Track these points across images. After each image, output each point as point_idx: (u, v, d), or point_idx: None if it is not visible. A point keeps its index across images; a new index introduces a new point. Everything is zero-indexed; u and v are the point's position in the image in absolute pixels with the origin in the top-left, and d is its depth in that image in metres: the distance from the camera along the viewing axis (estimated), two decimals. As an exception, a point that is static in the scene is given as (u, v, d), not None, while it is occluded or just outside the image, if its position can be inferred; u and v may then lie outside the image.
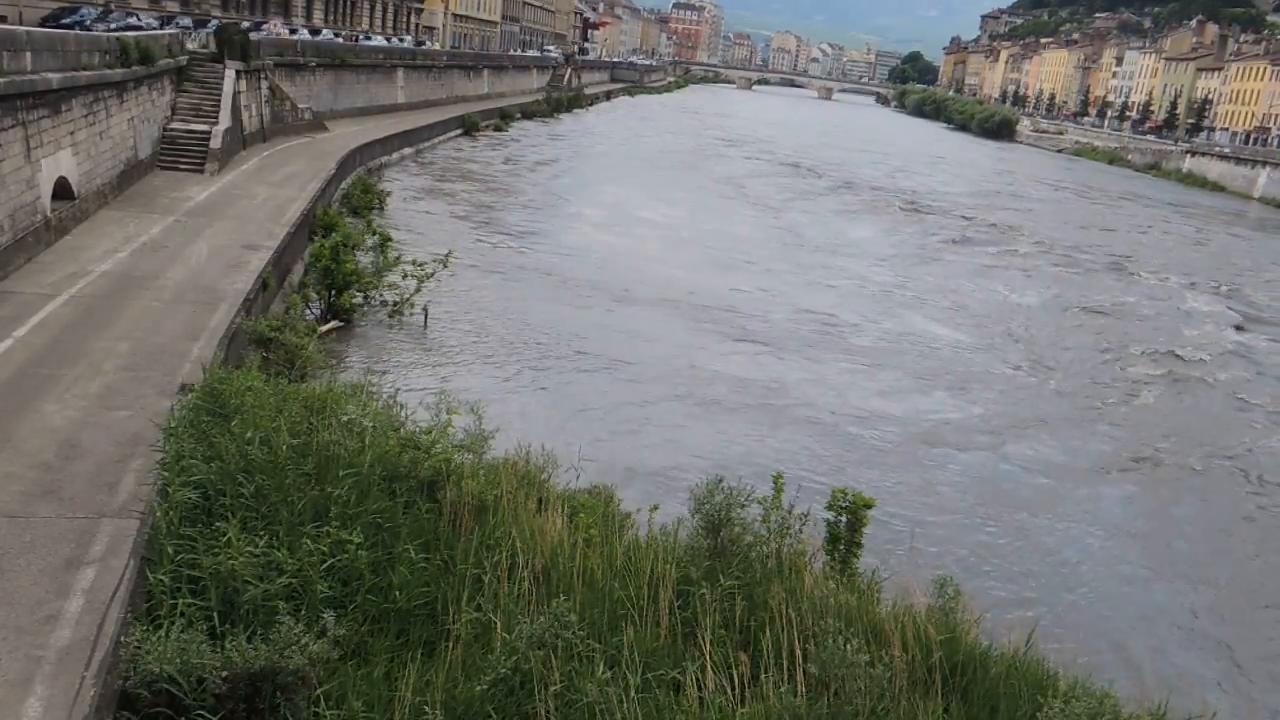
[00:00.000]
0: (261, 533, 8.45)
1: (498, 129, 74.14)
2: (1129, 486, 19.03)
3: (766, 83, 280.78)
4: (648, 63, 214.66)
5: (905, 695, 8.00)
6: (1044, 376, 25.61)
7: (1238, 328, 34.21)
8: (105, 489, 9.66)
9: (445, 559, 9.21)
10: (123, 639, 7.21)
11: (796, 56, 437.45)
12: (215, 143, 30.61)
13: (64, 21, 32.24)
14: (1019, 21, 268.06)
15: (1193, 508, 18.35)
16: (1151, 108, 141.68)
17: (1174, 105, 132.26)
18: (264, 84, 39.89)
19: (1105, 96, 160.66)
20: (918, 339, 27.78)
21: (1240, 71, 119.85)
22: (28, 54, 19.16)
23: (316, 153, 37.98)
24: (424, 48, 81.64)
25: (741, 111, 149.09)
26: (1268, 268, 49.68)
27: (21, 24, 28.35)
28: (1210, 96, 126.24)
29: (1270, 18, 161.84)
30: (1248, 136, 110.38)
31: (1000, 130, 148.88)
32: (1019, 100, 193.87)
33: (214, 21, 46.09)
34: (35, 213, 18.83)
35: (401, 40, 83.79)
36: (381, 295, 23.58)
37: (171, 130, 30.89)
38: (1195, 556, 16.28)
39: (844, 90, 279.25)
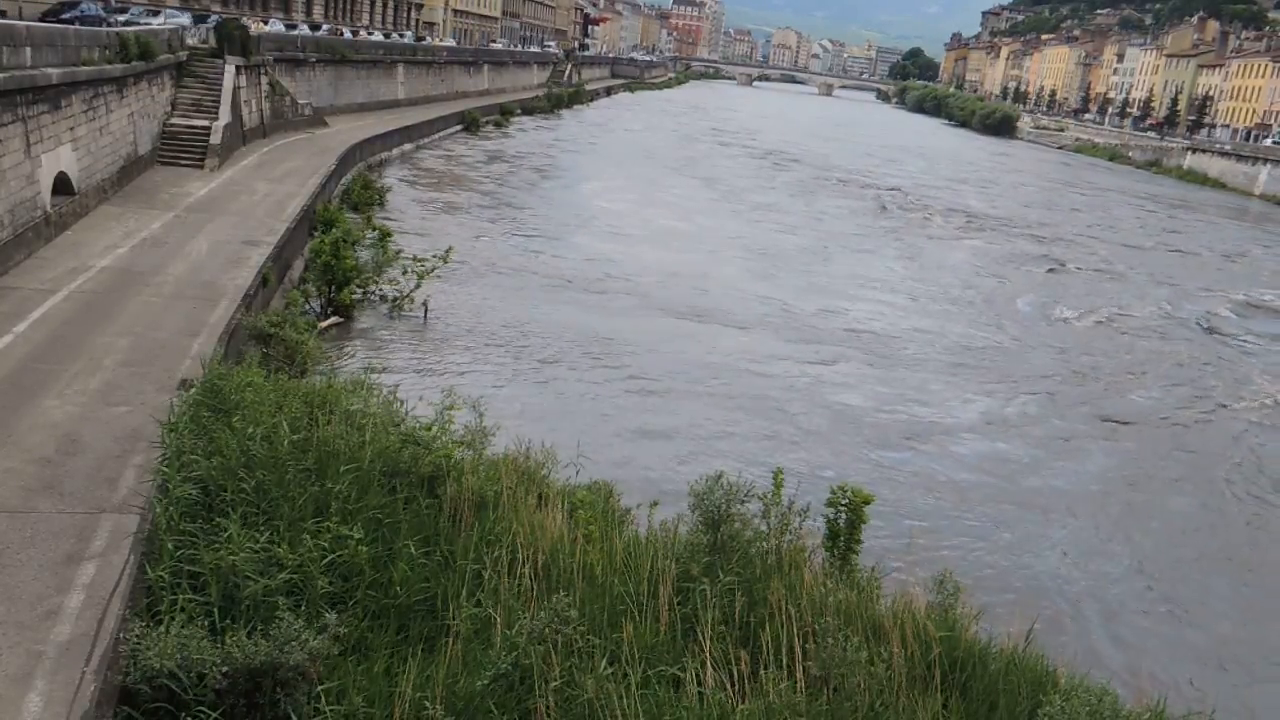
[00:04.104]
0: (262, 528, 8.46)
1: (498, 125, 74.07)
2: (1129, 480, 19.04)
3: (767, 79, 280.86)
4: (648, 59, 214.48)
5: (904, 691, 8.02)
6: (1047, 372, 25.62)
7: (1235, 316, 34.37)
8: (105, 484, 9.67)
9: (445, 554, 9.22)
10: (123, 634, 7.22)
11: (797, 53, 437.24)
12: (215, 138, 30.60)
13: (64, 16, 32.20)
14: (1020, 18, 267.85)
15: (1195, 503, 18.36)
16: (1152, 104, 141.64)
17: (1175, 102, 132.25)
18: (264, 79, 39.87)
19: (1106, 93, 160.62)
20: (926, 338, 27.78)
21: (1241, 68, 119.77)
22: (27, 49, 19.14)
23: (317, 148, 37.95)
24: (424, 43, 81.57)
25: (742, 107, 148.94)
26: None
27: (22, 19, 28.34)
28: (1211, 93, 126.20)
29: (1271, 15, 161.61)
30: (1248, 133, 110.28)
31: (1001, 127, 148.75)
32: (1020, 97, 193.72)
33: (214, 17, 46.07)
34: (35, 208, 18.83)
35: (402, 36, 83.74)
36: (381, 291, 23.58)
37: (172, 126, 30.88)
38: (1197, 550, 16.31)
39: (845, 87, 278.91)
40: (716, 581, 8.85)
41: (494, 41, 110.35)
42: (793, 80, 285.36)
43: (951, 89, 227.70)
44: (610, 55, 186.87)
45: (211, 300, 16.72)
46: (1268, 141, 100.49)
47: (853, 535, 10.77)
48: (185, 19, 43.19)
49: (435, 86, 74.10)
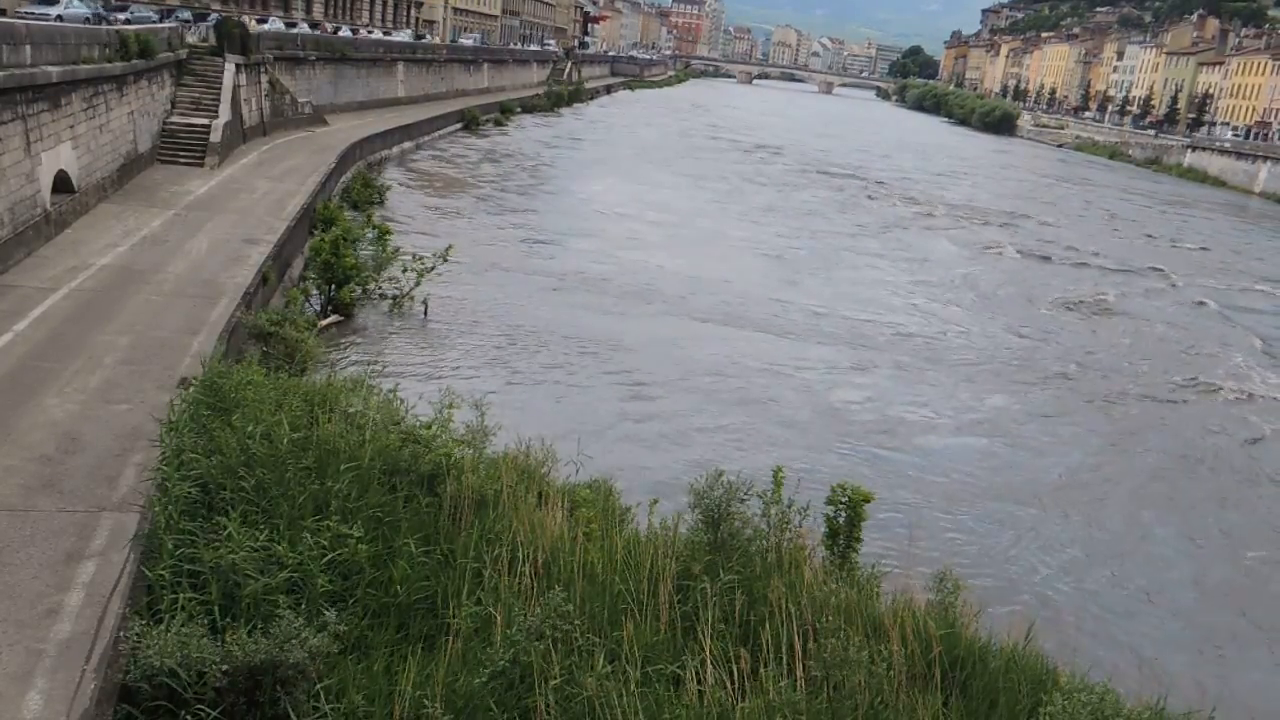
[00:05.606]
0: (262, 527, 8.46)
1: (498, 123, 74.02)
2: (1129, 474, 19.05)
3: (767, 77, 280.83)
4: (648, 57, 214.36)
5: (904, 689, 8.02)
6: (1045, 365, 25.63)
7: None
8: (105, 482, 9.67)
9: (445, 553, 9.21)
10: (123, 633, 7.22)
11: (797, 51, 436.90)
12: (215, 136, 30.57)
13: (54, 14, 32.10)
14: (1020, 16, 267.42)
15: (1197, 501, 18.37)
16: (1152, 102, 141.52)
17: (1175, 100, 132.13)
18: (264, 78, 39.84)
19: (1106, 91, 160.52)
20: (929, 335, 27.79)
21: (1241, 66, 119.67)
22: (27, 47, 19.13)
23: (316, 147, 37.93)
24: (423, 41, 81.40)
25: (743, 105, 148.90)
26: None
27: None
28: (1211, 91, 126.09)
29: (1271, 12, 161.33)
30: (1248, 131, 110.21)
31: (1000, 125, 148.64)
32: (1020, 95, 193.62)
33: (214, 15, 46.04)
34: (35, 206, 18.82)
35: (416, 35, 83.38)
36: (381, 289, 23.56)
37: (171, 124, 30.85)
38: (1197, 547, 16.32)
39: (844, 84, 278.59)
40: (716, 580, 8.85)
41: (470, 36, 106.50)
42: (793, 78, 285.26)
43: (951, 87, 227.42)
44: (610, 53, 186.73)
45: (211, 298, 16.71)
46: (1229, 135, 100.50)
47: (852, 533, 10.77)
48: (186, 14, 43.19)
49: (435, 85, 74.02)
